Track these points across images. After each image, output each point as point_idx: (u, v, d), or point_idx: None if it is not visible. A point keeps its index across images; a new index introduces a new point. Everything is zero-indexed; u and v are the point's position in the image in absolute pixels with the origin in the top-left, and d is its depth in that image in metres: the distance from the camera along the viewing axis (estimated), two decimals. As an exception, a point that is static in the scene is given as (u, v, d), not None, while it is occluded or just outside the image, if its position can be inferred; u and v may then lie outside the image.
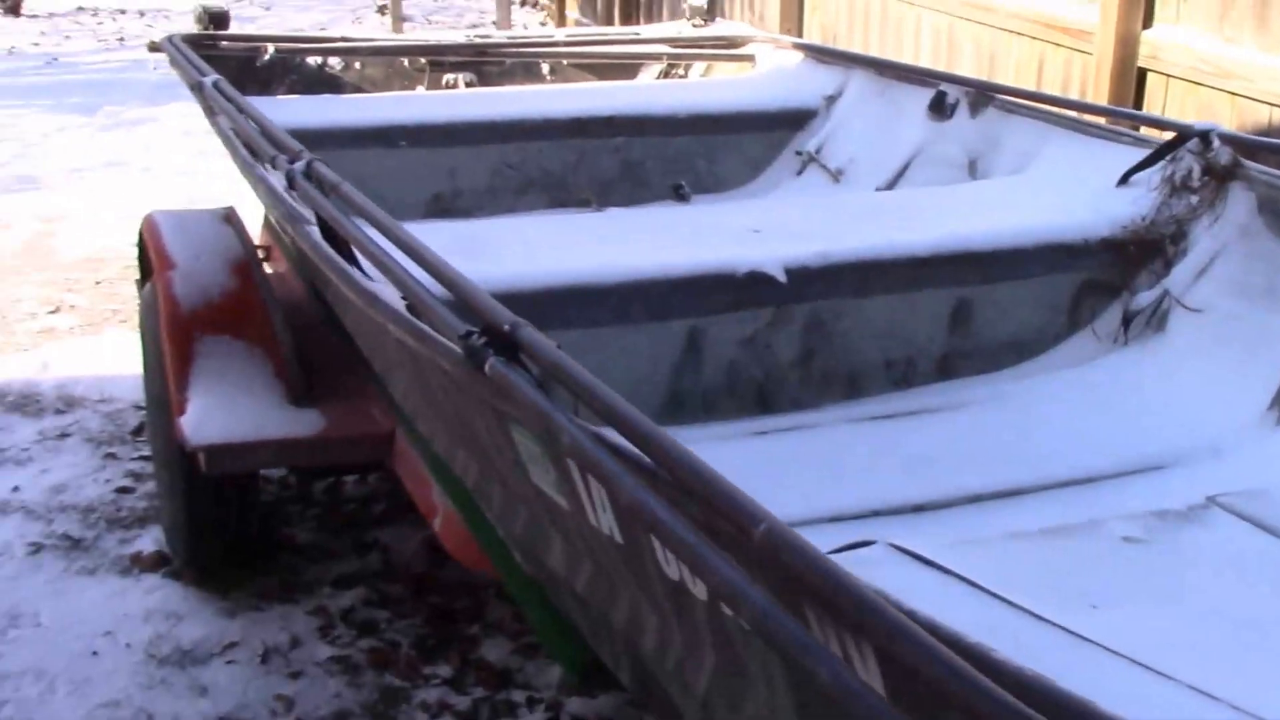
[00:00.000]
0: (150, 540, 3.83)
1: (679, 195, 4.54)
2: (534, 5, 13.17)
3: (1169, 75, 5.11)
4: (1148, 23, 5.14)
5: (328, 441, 3.16)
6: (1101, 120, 3.91)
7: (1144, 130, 3.70)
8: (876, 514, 2.50)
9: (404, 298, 2.10)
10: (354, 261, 2.46)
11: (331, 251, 2.37)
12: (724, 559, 1.21)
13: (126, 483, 4.19)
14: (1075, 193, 3.41)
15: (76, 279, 6.02)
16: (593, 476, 1.54)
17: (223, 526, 3.51)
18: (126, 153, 8.20)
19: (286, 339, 3.29)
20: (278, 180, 2.75)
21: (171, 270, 3.34)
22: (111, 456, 4.36)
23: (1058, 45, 5.42)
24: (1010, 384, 3.13)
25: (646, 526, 1.35)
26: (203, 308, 3.28)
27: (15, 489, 4.15)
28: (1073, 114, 3.75)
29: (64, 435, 4.51)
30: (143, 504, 4.05)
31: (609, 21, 10.65)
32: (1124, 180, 3.39)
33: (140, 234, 3.75)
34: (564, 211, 4.40)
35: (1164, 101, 5.12)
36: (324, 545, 3.84)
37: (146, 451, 4.34)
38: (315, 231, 2.52)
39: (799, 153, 4.55)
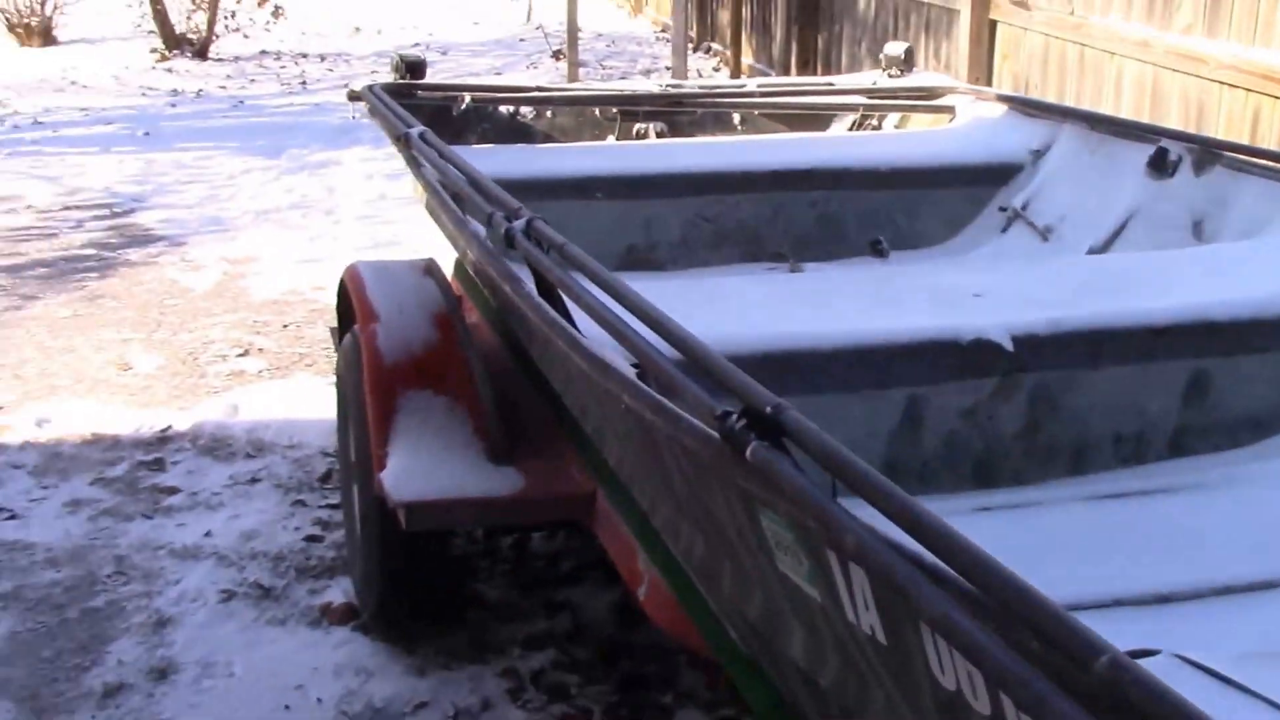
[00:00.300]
0: (339, 592, 3.79)
1: (877, 251, 4.42)
2: (707, 51, 13.14)
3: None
4: (1372, 76, 4.91)
5: (527, 501, 3.09)
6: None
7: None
8: (1119, 603, 2.35)
9: (635, 365, 2.02)
10: (571, 322, 2.39)
11: (552, 312, 2.29)
12: (1055, 693, 1.08)
13: (315, 531, 4.17)
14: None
15: (264, 321, 6.07)
16: (876, 582, 1.43)
17: (416, 582, 3.46)
18: (310, 195, 8.30)
19: (487, 394, 3.24)
20: (491, 235, 2.69)
21: (375, 323, 3.31)
22: (300, 503, 4.35)
23: (1275, 98, 5.20)
24: (1251, 463, 2.95)
25: (941, 635, 1.24)
26: (405, 361, 3.24)
27: (207, 534, 4.15)
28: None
29: (254, 480, 4.52)
30: (331, 553, 4.02)
31: (785, 68, 10.57)
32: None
33: (342, 283, 3.73)
34: (759, 266, 4.31)
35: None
36: (513, 603, 3.77)
37: (334, 500, 4.32)
38: (532, 290, 2.46)
39: (1003, 209, 4.40)
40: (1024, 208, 4.33)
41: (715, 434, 1.66)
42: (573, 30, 11.29)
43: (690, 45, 11.33)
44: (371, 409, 3.20)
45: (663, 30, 15.13)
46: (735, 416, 1.62)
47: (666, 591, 2.63)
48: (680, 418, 1.76)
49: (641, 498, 2.35)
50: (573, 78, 11.19)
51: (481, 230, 2.91)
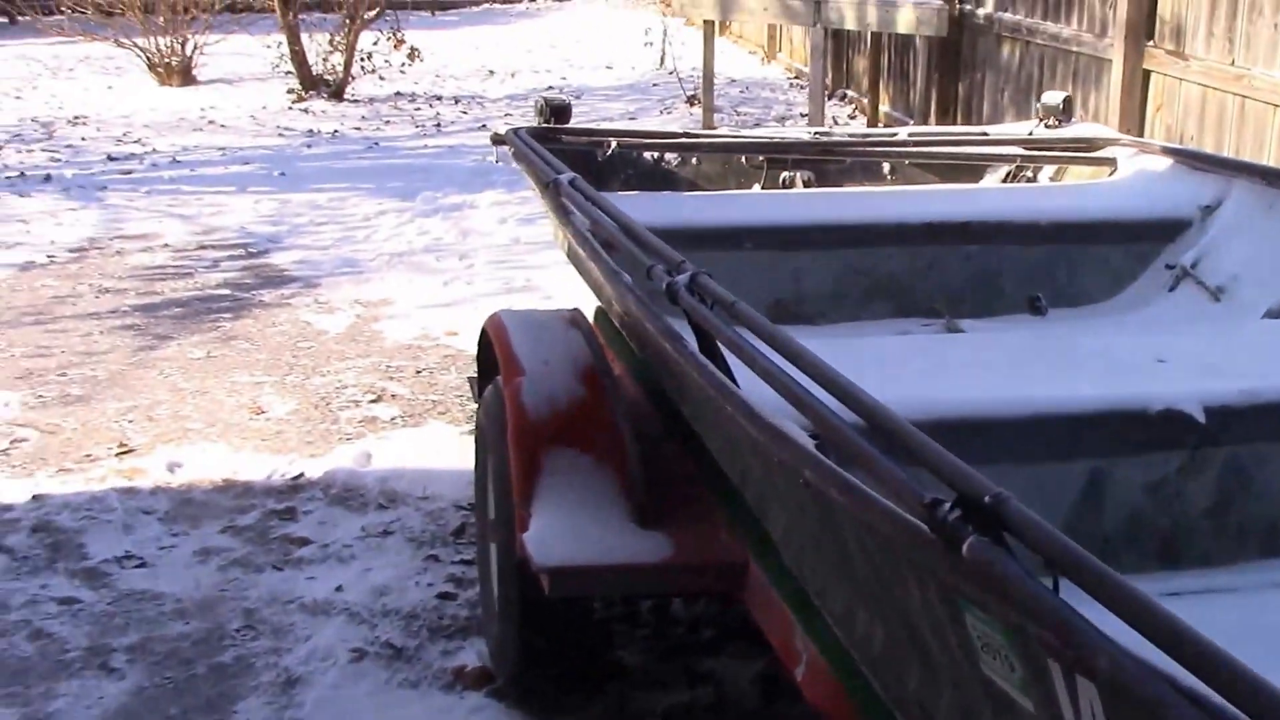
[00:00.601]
0: (473, 654, 3.66)
1: (1035, 308, 4.23)
2: (842, 98, 12.98)
3: None
4: None
5: (675, 568, 2.93)
6: None
7: None
8: None
9: (814, 435, 1.86)
10: (735, 382, 2.24)
11: (718, 374, 2.15)
12: None
13: (448, 588, 4.05)
14: None
15: (398, 367, 6.00)
16: (1118, 702, 1.26)
17: (555, 649, 3.31)
18: (444, 238, 8.25)
19: (635, 454, 3.09)
20: (649, 287, 2.56)
21: (520, 376, 3.18)
22: (433, 559, 4.24)
23: None
24: None
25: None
26: (551, 418, 3.11)
27: (339, 588, 4.05)
28: None
29: (386, 533, 4.41)
30: (465, 612, 3.90)
31: (924, 116, 10.38)
32: None
33: (484, 333, 3.61)
34: (913, 322, 4.13)
35: None
36: (653, 671, 3.61)
37: (468, 555, 4.21)
38: (694, 347, 2.32)
39: (1170, 266, 4.18)
40: (1193, 266, 4.11)
41: (922, 524, 1.50)
42: (709, 76, 11.20)
43: (825, 91, 11.18)
44: (515, 466, 3.07)
45: (796, 76, 15.00)
46: (948, 506, 1.46)
47: (829, 674, 2.46)
48: (875, 501, 1.60)
49: (809, 576, 2.19)
50: (708, 123, 11.09)
51: (630, 280, 2.77)
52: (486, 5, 23.09)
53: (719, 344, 2.25)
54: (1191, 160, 4.44)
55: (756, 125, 12.03)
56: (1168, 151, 4.56)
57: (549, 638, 3.28)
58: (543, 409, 3.11)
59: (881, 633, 1.91)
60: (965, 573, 1.45)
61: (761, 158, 4.84)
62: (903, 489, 1.56)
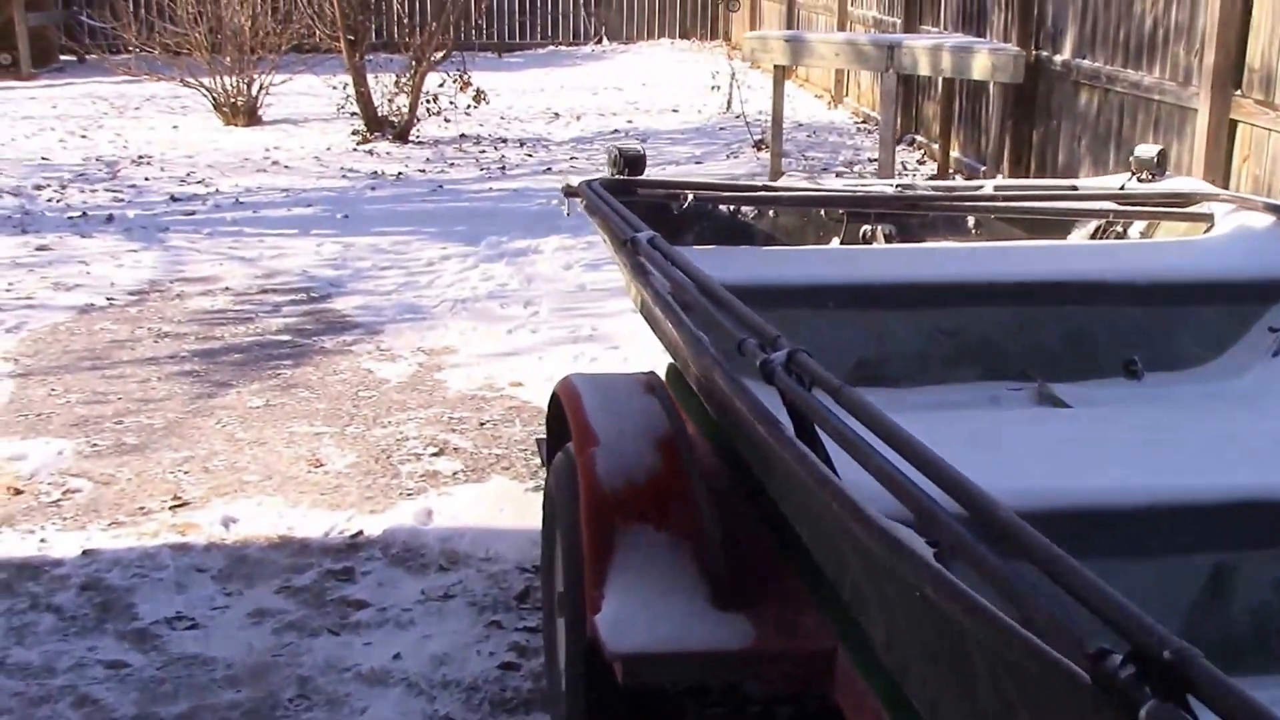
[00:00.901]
0: (536, 732, 3.49)
1: (1130, 372, 4.01)
2: (911, 144, 12.78)
3: None
4: None
5: (758, 656, 2.73)
6: None
7: None
8: None
9: (934, 544, 1.68)
10: (832, 467, 2.06)
11: (822, 467, 1.97)
12: None
13: (511, 658, 3.87)
14: None
15: (460, 419, 5.84)
16: None
17: (625, 731, 3.12)
18: (509, 284, 8.11)
19: (714, 531, 2.90)
20: (741, 363, 2.38)
21: (594, 447, 3.00)
22: (496, 625, 4.06)
23: None
24: None
25: None
26: (626, 492, 2.92)
27: (396, 656, 3.88)
28: None
29: (447, 596, 4.24)
30: (528, 685, 3.72)
31: (997, 164, 10.16)
32: None
33: (555, 397, 3.44)
34: (1002, 385, 3.93)
35: None
36: (725, 755, 3.42)
37: (532, 622, 4.03)
38: (789, 431, 2.13)
39: (1274, 329, 3.96)
40: None
41: (1084, 674, 1.30)
42: (778, 120, 11.03)
43: (895, 137, 10.99)
44: (588, 544, 2.89)
45: (863, 121, 14.81)
46: (1120, 661, 1.27)
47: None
48: (1021, 639, 1.41)
49: (916, 686, 1.99)
50: (776, 168, 10.92)
51: (715, 352, 2.59)
52: (552, 47, 23.05)
53: (817, 428, 2.07)
54: (1296, 217, 4.22)
55: (824, 170, 11.85)
56: (1270, 208, 4.33)
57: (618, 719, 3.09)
58: (618, 482, 2.93)
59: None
60: None
61: (842, 211, 4.65)
62: (1059, 631, 1.36)
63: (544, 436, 3.82)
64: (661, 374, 3.76)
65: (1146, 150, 4.84)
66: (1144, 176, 4.80)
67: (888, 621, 2.04)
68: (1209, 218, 4.51)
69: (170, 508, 4.95)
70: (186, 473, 5.26)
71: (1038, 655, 1.38)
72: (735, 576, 2.88)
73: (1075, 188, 4.94)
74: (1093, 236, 4.76)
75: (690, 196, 4.38)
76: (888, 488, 1.80)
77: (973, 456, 2.40)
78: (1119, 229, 4.75)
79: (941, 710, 1.87)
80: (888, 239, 4.64)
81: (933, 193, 4.78)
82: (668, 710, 3.31)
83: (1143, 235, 4.71)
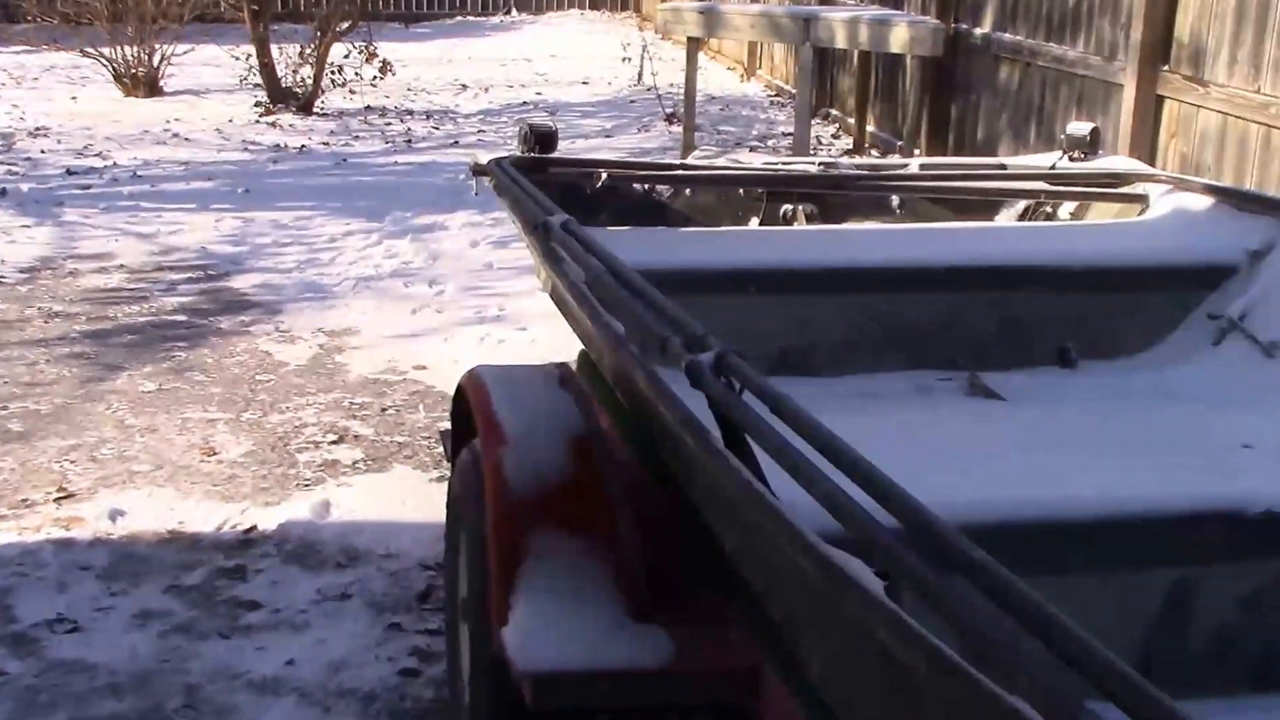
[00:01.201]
0: (438, 745, 3.26)
1: (1065, 361, 3.85)
2: (825, 118, 12.60)
3: None
4: None
5: (679, 675, 2.52)
6: None
7: None
8: None
9: (882, 575, 1.47)
10: (762, 479, 1.85)
11: (757, 484, 1.76)
12: None
13: (412, 663, 3.64)
14: None
15: (362, 404, 5.58)
16: None
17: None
18: (413, 262, 7.83)
19: (632, 539, 2.67)
20: (664, 360, 2.16)
21: (502, 446, 2.75)
22: (396, 627, 3.83)
23: None
24: None
25: None
26: (537, 495, 2.68)
27: (289, 662, 3.64)
28: None
29: (345, 596, 4.00)
30: (429, 693, 3.50)
31: (914, 139, 10.03)
32: None
33: (460, 390, 3.19)
34: (931, 374, 3.75)
35: None
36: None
37: (434, 624, 3.80)
38: (717, 438, 1.92)
39: (1213, 317, 3.81)
40: (1241, 318, 3.74)
41: None
42: (691, 94, 10.81)
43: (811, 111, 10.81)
44: (494, 550, 2.65)
45: (777, 94, 14.63)
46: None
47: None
48: (996, 700, 1.21)
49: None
50: (689, 143, 10.72)
51: (634, 349, 2.37)
52: (460, 18, 22.65)
53: (747, 437, 1.85)
54: (1235, 200, 4.06)
55: (738, 144, 11.65)
56: (1209, 190, 4.17)
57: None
58: (528, 484, 2.69)
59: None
60: None
61: (761, 190, 4.45)
62: (1043, 693, 1.16)
63: (448, 428, 3.58)
64: (573, 360, 3.54)
65: (1079, 128, 4.67)
66: (1075, 155, 4.64)
67: (825, 650, 1.83)
68: (1144, 199, 4.36)
69: (55, 500, 4.66)
70: (73, 462, 4.98)
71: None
72: (655, 588, 2.66)
73: (1004, 166, 4.77)
74: (1022, 217, 4.60)
75: (605, 176, 4.15)
76: (829, 509, 1.60)
77: (912, 462, 2.20)
78: (1049, 210, 4.58)
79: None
80: (809, 219, 4.45)
81: (856, 172, 4.59)
82: None
83: (1073, 216, 4.55)
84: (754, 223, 4.46)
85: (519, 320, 6.61)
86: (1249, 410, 2.78)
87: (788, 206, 4.46)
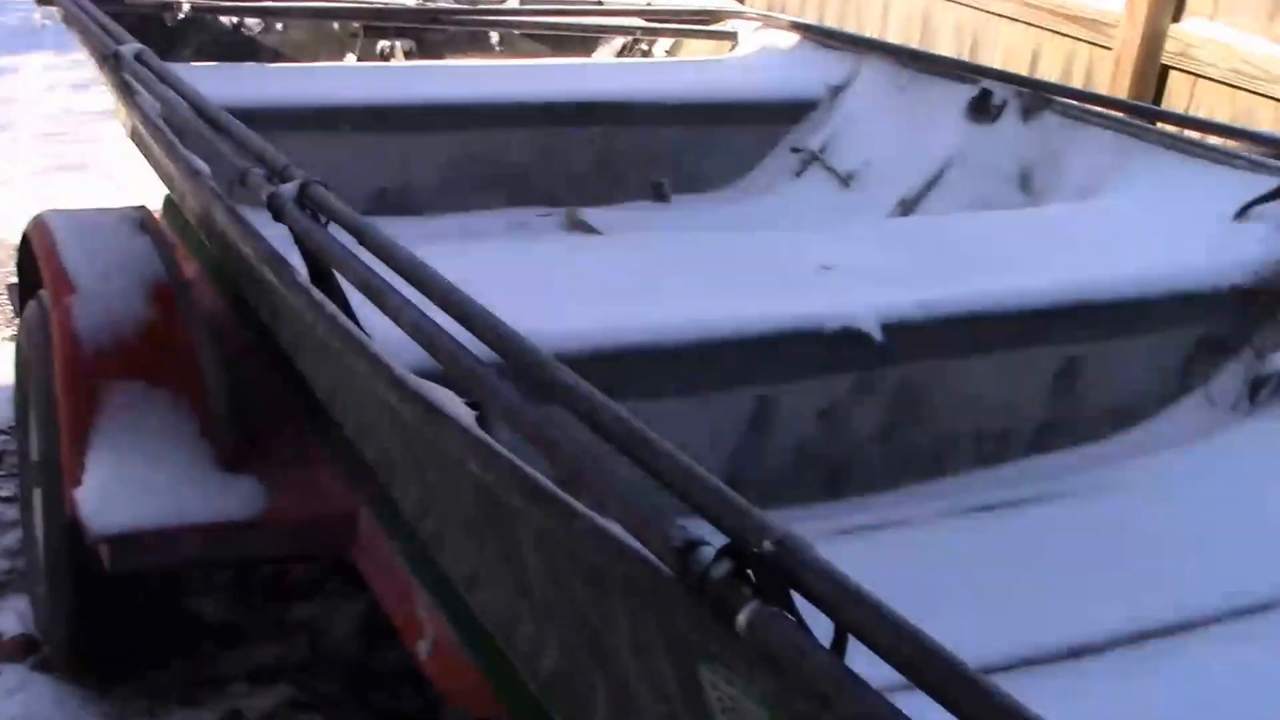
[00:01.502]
0: (14, 616, 3.04)
1: (658, 194, 3.89)
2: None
3: (1198, 75, 4.57)
4: (1177, 16, 4.60)
5: (270, 524, 2.41)
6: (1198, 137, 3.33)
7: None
8: (1028, 664, 1.90)
9: (474, 405, 1.42)
10: (353, 317, 1.77)
11: (344, 320, 1.67)
12: None
13: (-18, 531, 3.40)
14: (1188, 228, 2.82)
15: (-76, 259, 5.17)
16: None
17: (116, 614, 2.73)
18: (-18, 108, 7.28)
19: (218, 385, 2.54)
20: (244, 194, 2.04)
21: (71, 295, 2.55)
22: (-35, 494, 3.57)
23: (1059, 35, 4.86)
24: (1120, 463, 2.56)
25: None
26: (111, 345, 2.50)
27: None
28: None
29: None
30: (4, 564, 3.27)
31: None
32: (1242, 213, 2.84)
33: (25, 239, 2.96)
34: (530, 212, 3.73)
35: (1188, 104, 4.58)
36: (235, 625, 3.08)
37: (7, 491, 3.54)
38: (303, 274, 1.82)
39: (796, 150, 3.91)
40: (821, 150, 3.85)
41: (670, 571, 1.07)
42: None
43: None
44: (64, 406, 2.47)
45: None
46: (714, 555, 1.03)
47: (460, 652, 2.04)
48: (587, 525, 1.17)
49: (454, 560, 1.74)
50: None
51: (215, 185, 2.22)
52: None
53: (335, 272, 1.76)
54: (819, 37, 4.17)
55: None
56: (794, 27, 4.26)
57: (107, 603, 2.70)
58: (101, 335, 2.51)
59: (556, 655, 1.49)
60: (737, 647, 1.03)
61: (357, 25, 4.29)
62: (636, 516, 1.12)
63: (16, 282, 3.32)
64: (157, 208, 3.33)
65: (671, -35, 4.69)
66: (669, -8, 4.66)
67: (420, 487, 1.78)
68: (734, 36, 4.42)
69: None
70: None
71: (614, 549, 1.15)
72: (244, 436, 2.54)
73: (601, 2, 4.75)
74: (619, 54, 4.61)
75: (187, 6, 3.90)
76: (419, 342, 1.53)
77: (506, 296, 2.15)
78: (645, 47, 4.60)
79: (482, 588, 1.63)
80: (408, 55, 4.33)
81: (455, 6, 4.49)
82: (167, 589, 2.91)
83: (669, 53, 4.58)
84: (350, 59, 4.32)
85: (103, 168, 6.23)
86: (827, 235, 2.86)
87: (385, 43, 4.33)
